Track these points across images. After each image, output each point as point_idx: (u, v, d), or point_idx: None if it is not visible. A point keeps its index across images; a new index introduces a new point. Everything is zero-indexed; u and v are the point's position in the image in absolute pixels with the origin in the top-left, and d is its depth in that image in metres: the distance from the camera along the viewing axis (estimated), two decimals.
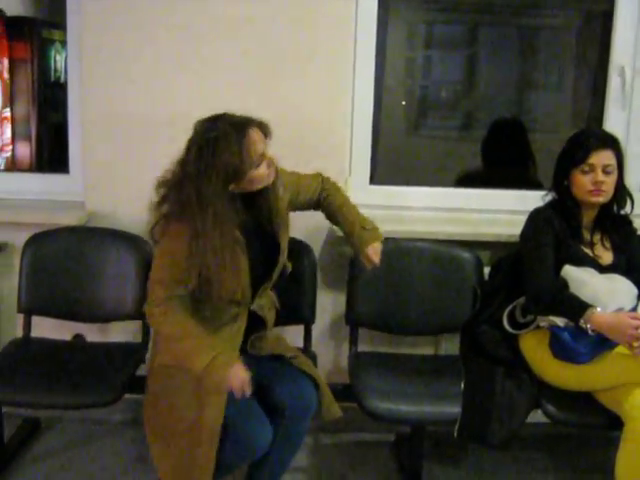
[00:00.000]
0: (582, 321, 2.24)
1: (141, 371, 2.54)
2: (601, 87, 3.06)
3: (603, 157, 2.40)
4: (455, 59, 3.38)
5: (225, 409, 2.09)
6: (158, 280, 2.14)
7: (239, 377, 2.07)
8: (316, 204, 2.50)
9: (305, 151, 2.71)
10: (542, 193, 2.58)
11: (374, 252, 2.38)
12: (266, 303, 2.33)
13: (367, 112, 2.97)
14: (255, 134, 2.08)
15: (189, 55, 2.80)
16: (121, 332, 2.85)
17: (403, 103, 3.28)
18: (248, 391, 2.08)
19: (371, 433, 2.98)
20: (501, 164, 3.31)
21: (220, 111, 2.13)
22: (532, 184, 3.16)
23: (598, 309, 2.25)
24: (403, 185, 3.08)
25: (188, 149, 2.08)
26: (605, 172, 2.40)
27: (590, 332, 2.23)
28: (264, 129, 2.12)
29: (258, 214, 2.25)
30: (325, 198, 2.48)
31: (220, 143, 2.02)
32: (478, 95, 3.39)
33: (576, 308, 2.28)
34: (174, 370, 2.18)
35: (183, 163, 2.09)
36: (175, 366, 2.17)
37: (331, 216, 2.51)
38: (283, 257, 2.29)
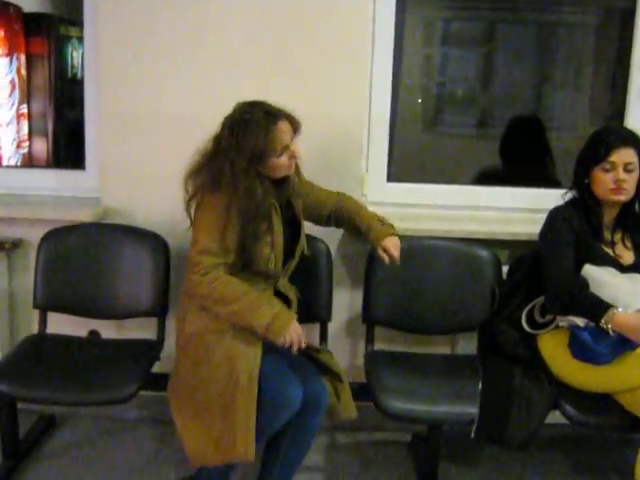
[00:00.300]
0: (603, 321, 2.20)
1: (156, 368, 2.54)
2: (620, 85, 3.03)
3: (624, 155, 2.36)
4: (472, 56, 3.34)
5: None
6: (203, 249, 2.21)
7: (297, 332, 2.20)
8: (331, 213, 2.54)
9: (321, 148, 2.69)
10: (561, 191, 2.54)
11: (394, 246, 2.38)
12: (288, 287, 2.40)
13: (384, 109, 2.95)
14: (284, 125, 2.22)
15: (204, 53, 2.79)
16: (136, 329, 2.83)
17: (419, 101, 3.25)
18: (303, 345, 2.22)
19: (387, 432, 2.96)
20: (519, 162, 3.28)
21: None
22: (550, 182, 3.14)
23: (619, 309, 2.21)
24: (420, 183, 3.05)
25: (223, 126, 2.24)
26: (627, 170, 2.36)
27: (611, 333, 2.20)
28: (294, 124, 2.26)
29: (282, 197, 2.35)
30: (342, 205, 2.54)
31: (251, 126, 2.17)
32: (495, 93, 3.37)
33: (597, 308, 2.24)
34: (208, 336, 2.24)
35: (217, 138, 2.25)
36: (209, 332, 2.24)
37: (349, 220, 2.52)
38: (303, 234, 2.41)
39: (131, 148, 2.86)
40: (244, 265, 2.26)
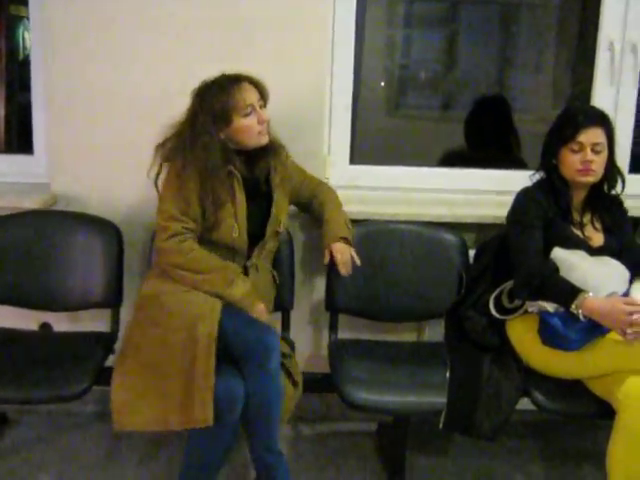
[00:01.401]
0: (573, 306, 2.14)
1: (110, 362, 2.42)
2: (582, 64, 2.99)
3: (592, 135, 2.30)
4: (435, 38, 3.28)
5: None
6: (169, 217, 2.25)
7: (262, 309, 2.27)
8: (311, 200, 2.57)
9: (282, 130, 2.57)
10: (528, 173, 2.48)
11: (339, 251, 2.41)
12: (262, 268, 2.40)
13: (347, 89, 2.85)
14: (248, 86, 2.28)
15: (158, 31, 2.64)
16: (90, 321, 2.72)
17: (382, 84, 3.17)
18: (266, 319, 2.27)
19: (352, 422, 2.88)
20: (484, 143, 3.21)
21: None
22: (516, 164, 3.08)
23: (590, 294, 2.15)
24: (384, 165, 2.97)
25: (191, 97, 2.29)
26: (594, 151, 2.30)
27: (582, 318, 2.14)
28: (260, 87, 2.31)
29: (257, 174, 2.37)
30: (318, 193, 2.57)
31: (214, 87, 2.25)
32: (458, 74, 3.30)
33: (567, 293, 2.18)
34: (164, 297, 2.24)
35: (187, 110, 2.29)
36: (166, 294, 2.25)
37: (317, 208, 2.54)
38: (277, 210, 2.38)
39: (83, 131, 2.72)
40: (209, 236, 2.29)
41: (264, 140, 2.33)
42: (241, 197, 2.31)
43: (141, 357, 2.17)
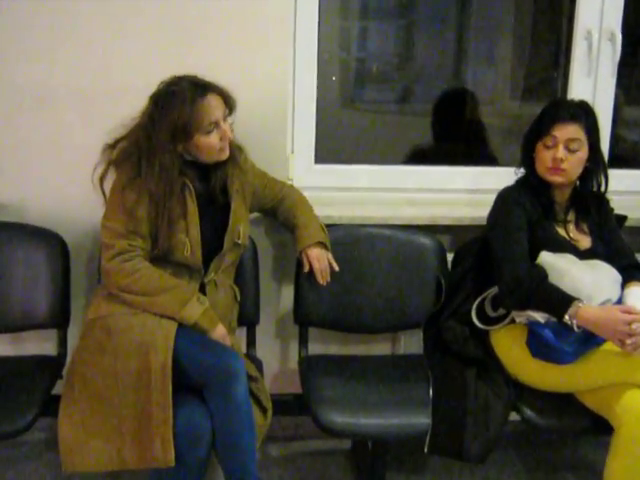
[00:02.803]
0: (567, 317, 1.98)
1: (58, 389, 2.18)
2: (538, 55, 2.95)
3: (567, 131, 2.16)
4: (391, 30, 3.17)
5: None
6: (114, 234, 2.07)
7: (222, 332, 2.09)
8: (277, 204, 2.40)
9: (241, 127, 2.36)
10: (501, 170, 2.34)
11: (316, 257, 2.28)
12: (222, 284, 2.22)
13: (310, 83, 2.66)
14: (214, 100, 2.07)
15: (94, 21, 2.40)
16: (34, 343, 2.52)
17: (333, 78, 3.01)
18: (229, 343, 2.09)
19: (324, 440, 2.69)
20: (451, 138, 3.08)
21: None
22: (486, 159, 2.95)
23: (583, 302, 1.99)
24: (346, 163, 2.79)
25: (149, 100, 2.08)
26: (569, 148, 2.16)
27: (576, 329, 1.98)
28: (228, 101, 2.11)
29: (213, 186, 2.19)
30: (286, 195, 2.40)
31: (176, 97, 2.02)
32: (415, 67, 3.19)
33: (559, 302, 2.02)
34: (112, 320, 2.04)
35: (142, 113, 2.09)
36: (114, 317, 2.05)
37: (287, 211, 2.38)
38: (234, 220, 2.20)
39: (20, 133, 2.47)
40: (160, 254, 2.10)
41: (224, 156, 2.15)
42: (194, 211, 2.12)
43: (89, 389, 1.97)
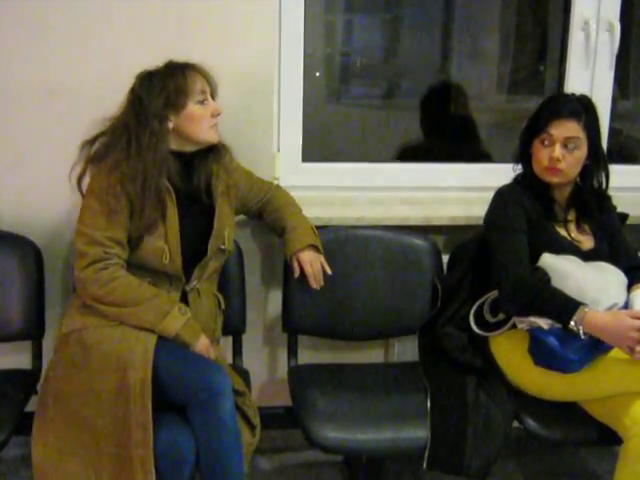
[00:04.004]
0: (573, 323, 1.88)
1: (32, 407, 2.06)
2: (521, 50, 2.93)
3: (565, 128, 2.05)
4: (377, 24, 3.12)
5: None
6: (88, 240, 1.95)
7: (206, 345, 1.99)
8: (263, 206, 2.31)
9: (226, 124, 2.25)
10: (495, 166, 2.27)
11: (308, 261, 2.18)
12: (205, 292, 2.11)
13: (297, 79, 2.56)
14: (195, 74, 2.03)
15: (72, 14, 2.28)
16: (7, 356, 2.39)
17: (317, 74, 2.93)
18: (212, 356, 1.99)
19: (315, 452, 2.55)
20: (440, 135, 3.01)
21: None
22: (480, 156, 2.91)
23: (589, 307, 1.89)
24: (334, 161, 2.70)
25: (129, 93, 2.02)
26: (566, 147, 2.05)
27: (582, 336, 1.87)
28: (209, 79, 2.07)
29: (197, 185, 2.10)
30: (273, 195, 2.31)
31: (164, 72, 2.00)
32: (402, 61, 3.13)
33: (563, 307, 1.91)
34: (87, 334, 1.93)
35: (123, 106, 2.02)
36: (90, 330, 1.94)
37: (275, 212, 2.28)
38: (219, 224, 2.10)
39: None
40: (137, 260, 2.00)
41: (214, 137, 2.08)
42: (173, 214, 2.02)
43: (64, 407, 1.86)
